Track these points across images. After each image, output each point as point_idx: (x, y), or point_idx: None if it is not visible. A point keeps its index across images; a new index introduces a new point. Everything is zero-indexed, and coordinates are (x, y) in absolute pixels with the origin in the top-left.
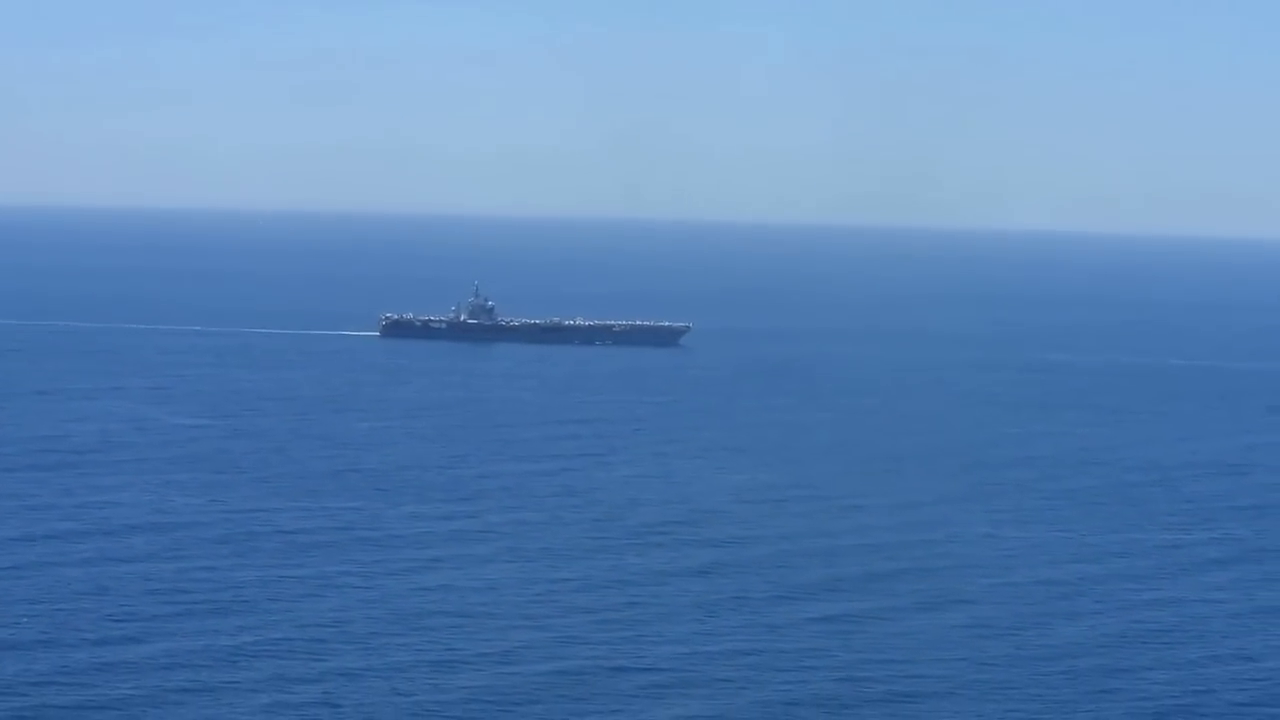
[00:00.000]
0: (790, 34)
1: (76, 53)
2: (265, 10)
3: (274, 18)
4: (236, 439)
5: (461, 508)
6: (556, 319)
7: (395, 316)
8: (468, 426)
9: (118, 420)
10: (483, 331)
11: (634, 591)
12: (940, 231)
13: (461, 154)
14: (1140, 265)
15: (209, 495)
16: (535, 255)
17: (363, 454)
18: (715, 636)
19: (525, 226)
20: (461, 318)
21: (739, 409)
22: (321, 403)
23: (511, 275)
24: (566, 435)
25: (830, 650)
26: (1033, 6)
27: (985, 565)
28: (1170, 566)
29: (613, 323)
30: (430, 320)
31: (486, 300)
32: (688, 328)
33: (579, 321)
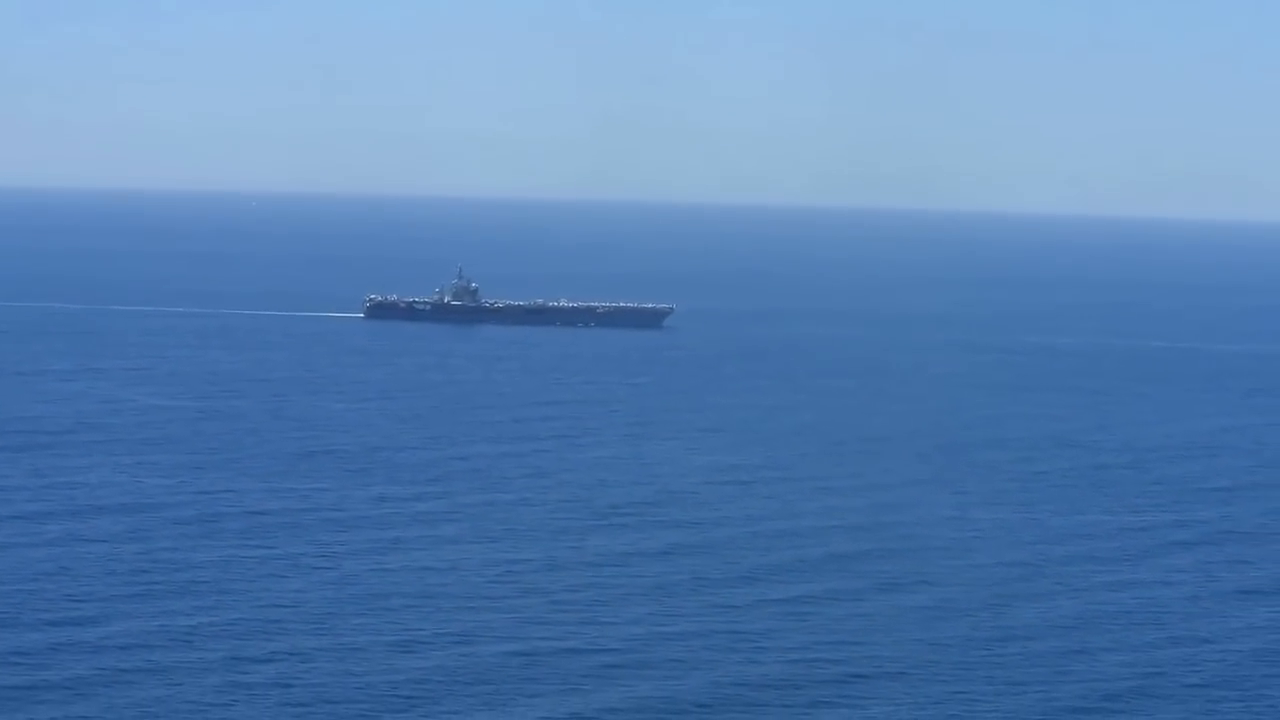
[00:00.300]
0: (782, 15)
1: (67, 31)
2: None
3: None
4: (211, 420)
5: (429, 489)
6: (540, 301)
7: (379, 298)
8: (443, 408)
9: (93, 401)
10: (466, 313)
11: (594, 573)
12: (936, 214)
13: (453, 134)
14: (1132, 248)
15: (178, 476)
16: (524, 236)
17: (336, 435)
18: (671, 618)
19: (513, 208)
20: (445, 299)
21: (716, 390)
22: (298, 384)
23: (500, 257)
24: (540, 417)
25: (785, 632)
26: None
27: (949, 547)
28: (1133, 549)
29: (596, 304)
30: (414, 302)
31: (470, 282)
32: (671, 309)
33: (563, 303)
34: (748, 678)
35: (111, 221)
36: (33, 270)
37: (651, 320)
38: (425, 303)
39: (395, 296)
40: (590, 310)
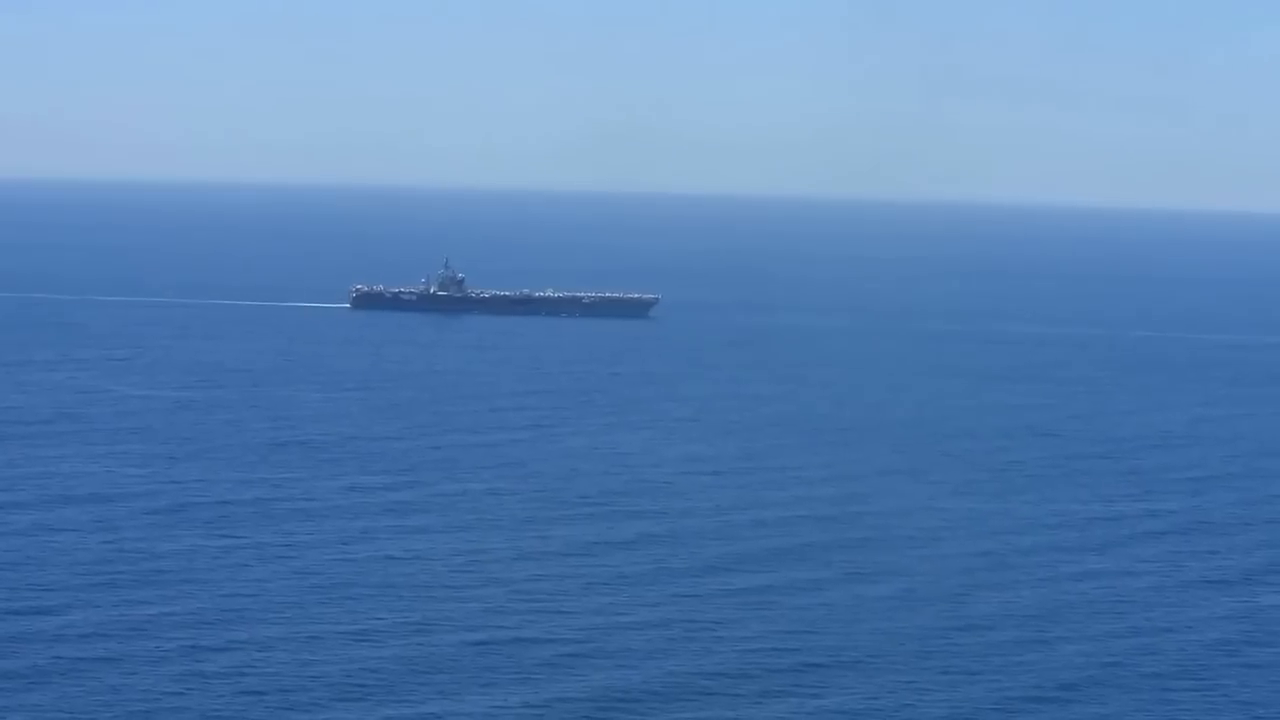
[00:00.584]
0: (788, 10)
1: (90, 19)
2: None
3: None
4: (188, 410)
5: (400, 479)
6: (526, 291)
7: (365, 288)
8: (421, 398)
9: (72, 391)
10: (452, 303)
11: (558, 563)
12: (931, 205)
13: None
14: (1126, 237)
15: (150, 466)
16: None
17: (311, 425)
18: (631, 608)
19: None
20: (431, 290)
21: (695, 380)
22: (278, 374)
23: (492, 247)
24: (517, 407)
25: (744, 621)
26: None
27: (917, 537)
28: (1101, 539)
29: (582, 295)
30: (400, 292)
31: (456, 272)
32: (656, 300)
33: (549, 293)
34: (701, 667)
35: (106, 213)
36: (15, 262)
37: (638, 310)
38: (411, 293)
39: (381, 287)
40: (576, 300)
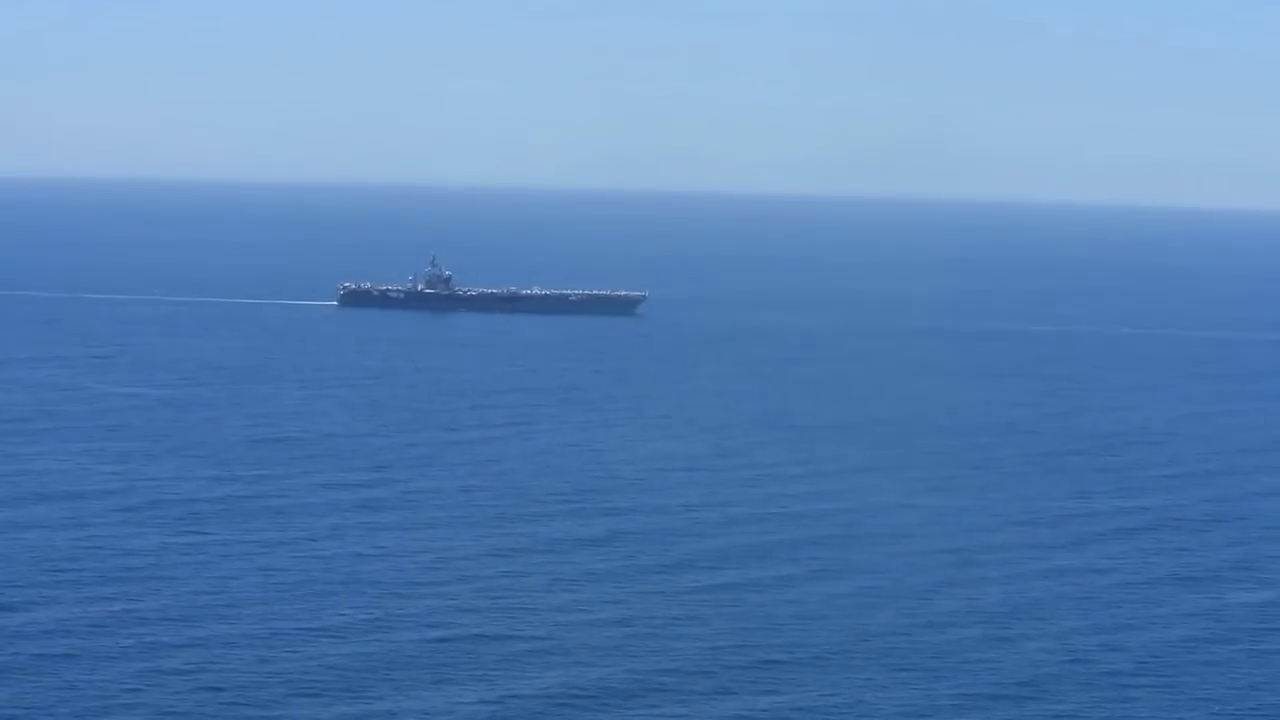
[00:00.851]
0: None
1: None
2: None
3: None
4: (167, 408)
5: (373, 476)
6: (513, 289)
7: (353, 286)
8: (402, 396)
9: (52, 389)
10: (440, 301)
11: (525, 559)
12: (941, 202)
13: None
14: (1129, 234)
15: (124, 464)
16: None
17: (289, 423)
18: (594, 605)
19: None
20: (419, 287)
21: (677, 377)
22: (260, 372)
23: (487, 243)
24: (495, 404)
25: (707, 619)
26: None
27: (889, 534)
28: (1071, 536)
29: (569, 292)
30: (388, 290)
31: (444, 270)
32: (644, 297)
33: (536, 291)
34: (659, 664)
35: (104, 209)
36: (9, 257)
37: (625, 308)
38: (399, 291)
39: (369, 284)
40: (563, 298)
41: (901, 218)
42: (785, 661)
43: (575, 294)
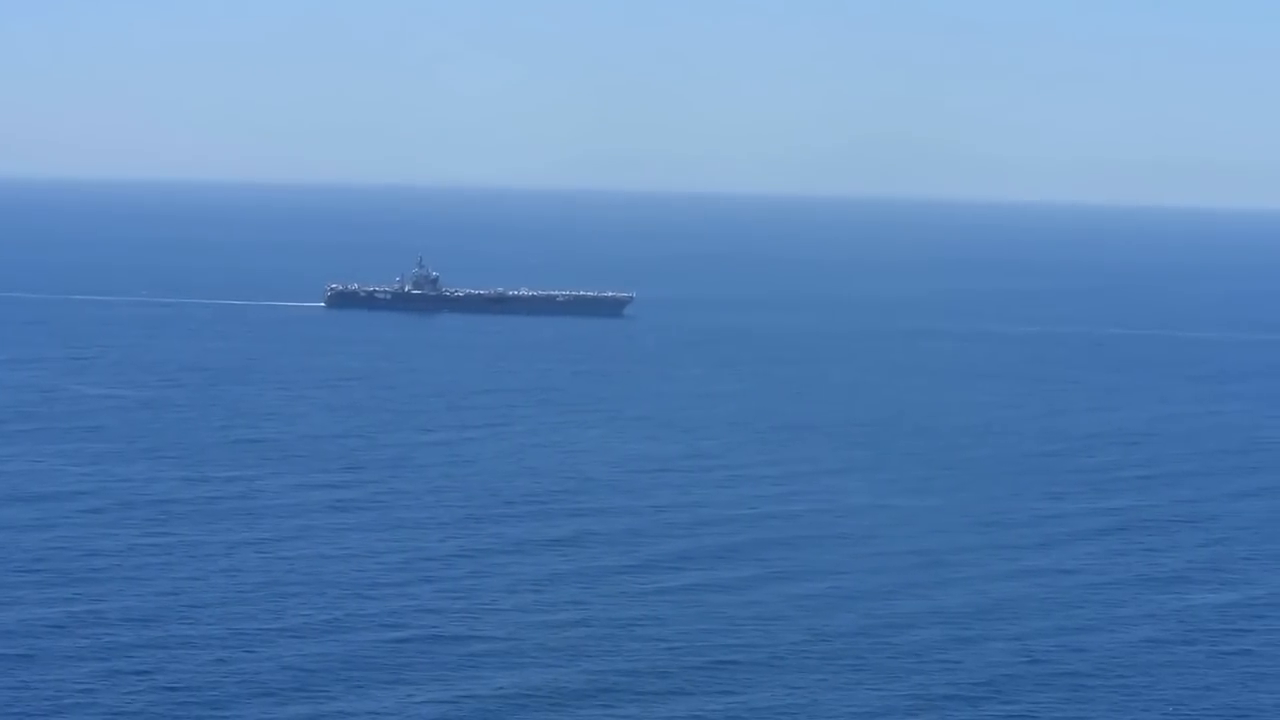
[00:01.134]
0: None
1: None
2: None
3: None
4: (143, 410)
5: (345, 477)
6: (501, 289)
7: (340, 287)
8: (381, 396)
9: (30, 390)
10: (427, 302)
11: (489, 561)
12: (937, 202)
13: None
14: (1116, 234)
15: (97, 465)
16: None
17: (265, 424)
18: (555, 606)
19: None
20: (406, 288)
21: (659, 378)
22: (241, 373)
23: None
24: (473, 405)
25: (668, 620)
26: None
27: (857, 535)
28: (1041, 537)
29: (556, 293)
30: (375, 291)
31: (431, 271)
32: (631, 298)
33: (523, 292)
34: (615, 665)
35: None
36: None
37: (612, 309)
38: (386, 292)
39: (356, 285)
40: (550, 299)
41: (896, 218)
42: (742, 662)
43: (562, 295)
